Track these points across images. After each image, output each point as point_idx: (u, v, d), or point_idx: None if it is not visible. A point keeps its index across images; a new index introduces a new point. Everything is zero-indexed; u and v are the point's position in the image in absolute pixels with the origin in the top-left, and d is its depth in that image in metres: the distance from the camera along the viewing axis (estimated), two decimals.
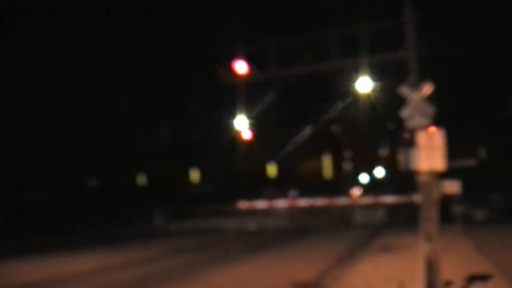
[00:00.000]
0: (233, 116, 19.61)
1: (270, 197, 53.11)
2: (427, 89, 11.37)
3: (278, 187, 52.18)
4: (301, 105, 40.61)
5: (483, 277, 12.12)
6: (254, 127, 20.49)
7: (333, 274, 14.26)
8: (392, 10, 13.58)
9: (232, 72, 16.20)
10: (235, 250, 23.43)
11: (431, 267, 10.66)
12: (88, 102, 41.30)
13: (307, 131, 39.73)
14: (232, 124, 19.70)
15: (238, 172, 47.92)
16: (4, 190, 38.32)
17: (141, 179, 49.23)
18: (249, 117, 19.81)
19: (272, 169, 48.04)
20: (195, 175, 48.63)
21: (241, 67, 15.89)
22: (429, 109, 11.30)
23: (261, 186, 52.06)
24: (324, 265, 16.63)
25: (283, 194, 53.23)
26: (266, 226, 39.94)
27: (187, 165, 47.62)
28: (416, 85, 11.54)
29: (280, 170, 48.07)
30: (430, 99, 11.51)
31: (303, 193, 51.62)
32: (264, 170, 47.92)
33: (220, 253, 22.23)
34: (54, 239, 31.03)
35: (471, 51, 33.58)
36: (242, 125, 19.43)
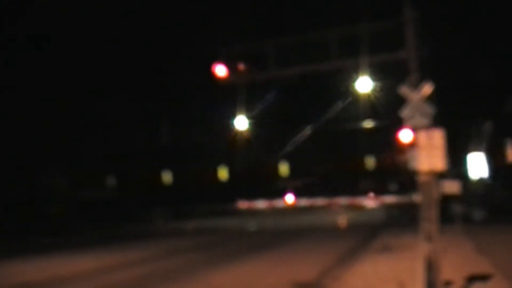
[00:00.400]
0: (233, 115, 19.61)
1: (367, 190, 51.76)
2: (427, 89, 11.38)
3: (377, 180, 50.63)
4: (301, 105, 40.56)
5: (483, 277, 12.11)
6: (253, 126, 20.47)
7: (333, 274, 14.25)
8: (392, 10, 13.58)
9: (231, 72, 16.22)
10: (235, 250, 23.43)
11: (431, 267, 10.66)
12: (88, 102, 41.31)
13: (307, 131, 39.67)
14: (232, 124, 19.70)
15: (332, 164, 46.27)
16: (4, 189, 38.33)
17: (223, 173, 48.20)
18: (249, 117, 19.80)
19: (370, 161, 46.05)
20: (284, 168, 46.75)
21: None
22: (429, 109, 11.30)
23: (359, 179, 50.48)
24: (324, 265, 16.63)
25: (383, 188, 51.52)
26: (267, 226, 39.94)
27: (276, 157, 45.93)
28: (416, 85, 11.55)
29: (379, 162, 46.21)
30: (430, 99, 11.51)
31: (403, 187, 49.45)
32: (362, 162, 45.85)
33: (220, 253, 22.24)
34: (54, 239, 31.06)
35: (471, 51, 33.56)
36: (242, 124, 19.43)
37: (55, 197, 42.96)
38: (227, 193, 49.16)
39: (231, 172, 45.83)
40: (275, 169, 44.98)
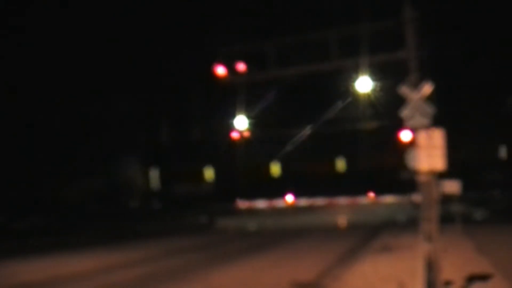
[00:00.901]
0: (233, 115, 19.61)
1: (495, 183, 50.06)
2: (427, 89, 11.38)
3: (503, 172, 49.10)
4: (301, 104, 40.55)
5: (483, 277, 12.11)
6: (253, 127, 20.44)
7: (333, 274, 14.26)
8: (392, 10, 13.58)
9: (231, 72, 16.23)
10: (235, 250, 23.43)
11: (431, 267, 10.66)
12: (88, 102, 41.32)
13: (307, 131, 39.66)
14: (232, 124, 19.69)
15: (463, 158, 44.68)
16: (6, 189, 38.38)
17: (341, 164, 47.60)
18: (249, 116, 19.79)
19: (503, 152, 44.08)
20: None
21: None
22: (429, 109, 11.31)
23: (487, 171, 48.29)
24: (324, 265, 16.63)
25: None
26: (267, 226, 39.94)
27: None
28: (416, 85, 11.55)
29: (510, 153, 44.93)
30: (430, 99, 11.52)
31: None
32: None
33: (220, 253, 22.23)
34: (54, 239, 31.05)
35: (471, 50, 33.56)
36: (242, 124, 19.43)
37: (135, 191, 43.73)
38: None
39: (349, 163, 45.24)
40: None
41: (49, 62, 36.92)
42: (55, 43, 37.09)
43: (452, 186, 19.64)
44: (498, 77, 35.10)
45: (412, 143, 11.28)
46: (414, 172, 11.13)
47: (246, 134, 19.87)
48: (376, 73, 16.32)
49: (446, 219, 18.97)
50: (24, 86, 37.30)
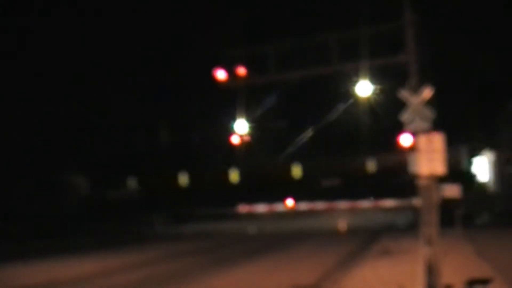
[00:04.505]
0: (233, 119, 19.60)
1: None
2: (427, 93, 11.39)
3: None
4: (301, 108, 40.56)
5: (483, 281, 12.07)
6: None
7: (333, 278, 14.25)
8: (392, 14, 13.61)
9: (232, 75, 16.26)
10: (235, 254, 23.41)
11: (431, 271, 10.66)
12: (88, 103, 41.32)
13: (308, 133, 39.68)
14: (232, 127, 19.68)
15: None
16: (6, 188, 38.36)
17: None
18: (249, 120, 19.79)
19: None
20: None
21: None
22: (429, 113, 11.31)
23: None
24: (324, 268, 16.62)
25: None
26: (267, 230, 39.91)
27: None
28: (416, 89, 11.56)
29: None
30: (430, 102, 11.53)
31: None
32: None
33: (220, 257, 22.21)
34: (54, 242, 31.04)
35: (471, 52, 33.58)
36: (242, 128, 19.42)
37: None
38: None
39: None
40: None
41: (47, 64, 36.99)
42: (55, 44, 37.18)
43: (452, 190, 19.64)
44: (499, 78, 35.12)
45: (412, 148, 11.29)
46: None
47: (246, 138, 19.86)
48: (377, 77, 16.34)
49: (446, 223, 18.96)
50: (21, 86, 37.33)
